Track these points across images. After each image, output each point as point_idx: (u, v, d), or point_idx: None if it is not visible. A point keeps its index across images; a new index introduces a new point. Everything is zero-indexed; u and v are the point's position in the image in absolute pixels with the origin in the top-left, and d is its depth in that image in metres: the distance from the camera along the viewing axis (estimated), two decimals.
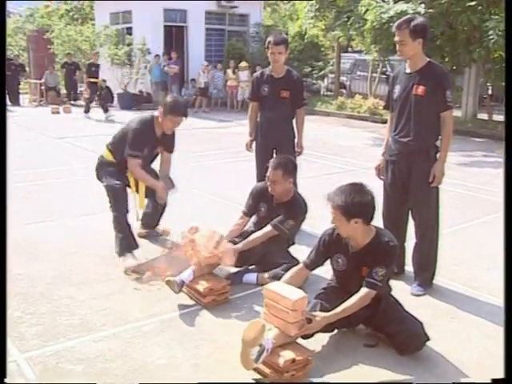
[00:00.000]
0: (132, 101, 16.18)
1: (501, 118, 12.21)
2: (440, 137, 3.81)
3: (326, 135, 11.78)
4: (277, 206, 4.08)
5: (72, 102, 17.28)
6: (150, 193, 4.52)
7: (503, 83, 10.09)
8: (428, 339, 3.05)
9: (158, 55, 16.03)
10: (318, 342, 3.11)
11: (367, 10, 11.82)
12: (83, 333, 3.25)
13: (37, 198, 6.24)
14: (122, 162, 4.39)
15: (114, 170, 4.44)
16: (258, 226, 4.18)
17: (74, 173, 7.49)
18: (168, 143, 4.63)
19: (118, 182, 4.35)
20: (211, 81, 16.32)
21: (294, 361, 2.77)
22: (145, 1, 15.82)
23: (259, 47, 16.93)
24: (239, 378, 2.81)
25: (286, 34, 15.62)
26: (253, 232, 4.15)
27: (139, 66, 16.59)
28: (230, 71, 16.24)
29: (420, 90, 3.72)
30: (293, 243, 4.26)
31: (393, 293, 3.28)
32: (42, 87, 17.41)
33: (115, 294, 3.78)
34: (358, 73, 18.50)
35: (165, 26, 17.01)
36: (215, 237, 3.77)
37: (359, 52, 18.75)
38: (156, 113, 4.42)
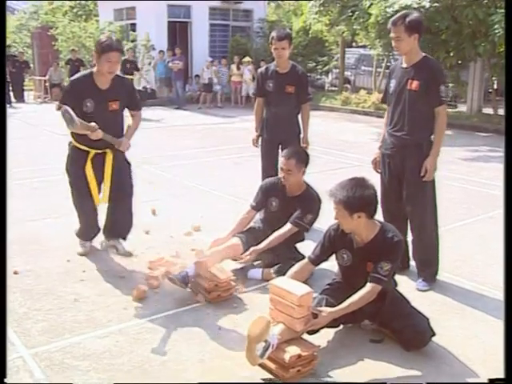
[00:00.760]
0: None
1: None
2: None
3: (330, 130, 11.75)
4: (290, 200, 4.06)
5: None
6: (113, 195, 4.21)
7: None
8: (434, 334, 3.04)
9: (162, 51, 16.01)
10: (324, 338, 3.11)
11: (371, 4, 11.79)
12: (89, 329, 3.26)
13: (42, 194, 6.25)
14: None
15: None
16: (268, 222, 4.15)
17: None
18: (125, 98, 4.13)
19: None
20: (216, 76, 16.28)
21: (299, 356, 2.76)
22: None
23: (263, 43, 16.90)
24: (245, 373, 2.81)
25: (290, 30, 15.55)
26: (261, 229, 4.14)
27: (143, 62, 16.58)
28: (234, 67, 16.21)
29: (414, 84, 3.72)
30: (302, 239, 4.21)
31: (398, 288, 3.27)
32: (47, 84, 17.40)
33: (120, 290, 3.79)
34: (363, 68, 18.46)
35: (169, 22, 16.99)
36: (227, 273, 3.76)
37: (364, 47, 18.66)
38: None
